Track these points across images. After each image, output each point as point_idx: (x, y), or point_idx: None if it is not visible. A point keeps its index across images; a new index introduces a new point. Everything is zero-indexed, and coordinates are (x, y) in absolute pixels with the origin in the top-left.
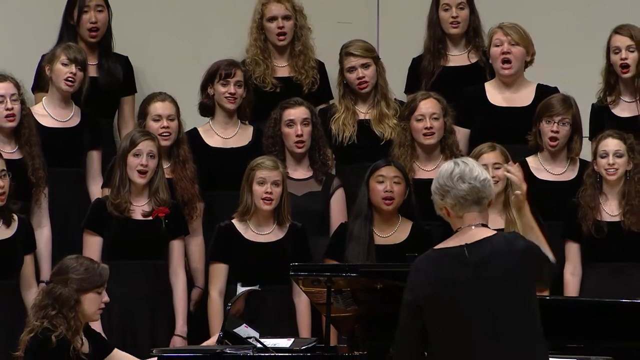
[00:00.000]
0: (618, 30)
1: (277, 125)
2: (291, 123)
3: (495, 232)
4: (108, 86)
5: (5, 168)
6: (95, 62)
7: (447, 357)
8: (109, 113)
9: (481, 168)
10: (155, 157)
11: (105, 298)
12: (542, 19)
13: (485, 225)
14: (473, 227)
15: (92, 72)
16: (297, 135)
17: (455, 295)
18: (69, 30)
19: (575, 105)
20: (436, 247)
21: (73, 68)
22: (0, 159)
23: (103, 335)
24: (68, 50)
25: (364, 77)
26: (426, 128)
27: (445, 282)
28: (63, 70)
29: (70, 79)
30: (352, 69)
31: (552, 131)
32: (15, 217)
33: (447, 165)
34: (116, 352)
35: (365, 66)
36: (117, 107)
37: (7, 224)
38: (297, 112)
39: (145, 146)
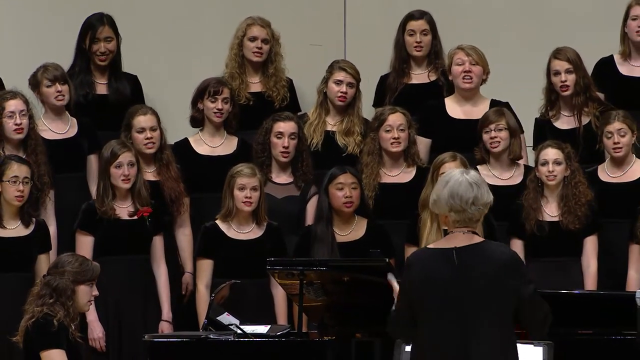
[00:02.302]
0: (556, 55)
1: (267, 135)
2: (280, 135)
3: (484, 239)
4: (117, 102)
5: (28, 176)
6: (105, 81)
7: (425, 348)
8: (117, 126)
9: (488, 190)
10: (134, 164)
11: (95, 292)
12: (495, 41)
13: (475, 233)
14: (463, 233)
15: (103, 90)
16: (284, 147)
17: (438, 292)
18: (82, 53)
19: (508, 113)
20: (429, 246)
21: (58, 86)
22: (26, 166)
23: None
24: (47, 72)
25: (346, 93)
26: (394, 138)
27: (433, 280)
28: (50, 92)
29: (59, 97)
30: (339, 82)
31: (491, 138)
32: (34, 220)
33: (464, 188)
34: None
35: (350, 85)
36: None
37: (26, 224)
38: (286, 126)
39: (125, 157)
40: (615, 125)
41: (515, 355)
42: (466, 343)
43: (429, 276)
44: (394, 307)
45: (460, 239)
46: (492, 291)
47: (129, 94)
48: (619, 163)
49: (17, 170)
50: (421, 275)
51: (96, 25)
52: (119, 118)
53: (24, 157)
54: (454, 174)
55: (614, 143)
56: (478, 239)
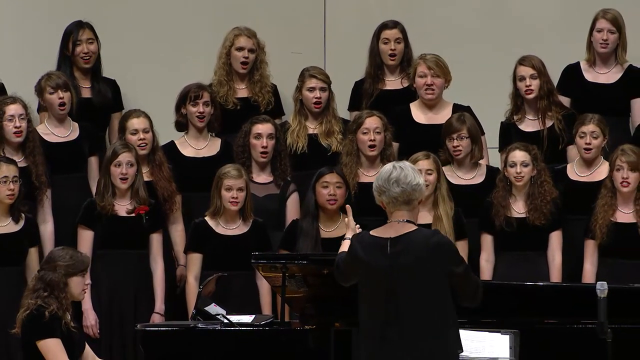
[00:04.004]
0: (522, 61)
1: (246, 137)
2: (258, 136)
3: (417, 227)
4: (100, 105)
5: (17, 175)
6: (88, 85)
7: (365, 328)
8: (101, 127)
9: (415, 172)
10: (133, 164)
11: (88, 280)
12: (461, 49)
13: (410, 222)
14: (399, 223)
15: (86, 93)
16: (263, 147)
17: (375, 278)
18: (65, 59)
19: (469, 119)
20: (371, 232)
21: (60, 93)
22: (14, 166)
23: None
24: (50, 80)
25: (320, 97)
26: (370, 140)
27: (370, 265)
28: (53, 99)
29: (61, 103)
30: (312, 89)
31: (454, 146)
32: (23, 215)
33: (387, 168)
34: (88, 349)
35: (322, 89)
36: (108, 122)
37: (16, 220)
38: (264, 128)
39: (124, 157)
40: (590, 127)
41: (455, 334)
42: (401, 328)
43: (370, 262)
44: (341, 256)
45: (395, 229)
46: (421, 276)
47: (111, 97)
48: (588, 163)
49: (5, 170)
50: (364, 258)
51: (77, 30)
52: (103, 120)
53: (22, 158)
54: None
55: (586, 144)
56: (410, 228)
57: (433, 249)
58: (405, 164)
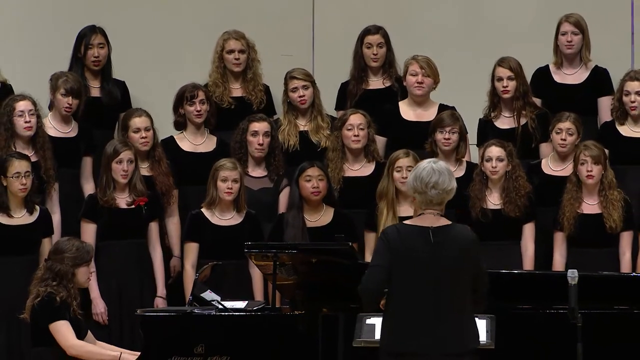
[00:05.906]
0: (500, 63)
1: (243, 134)
2: (255, 133)
3: (450, 222)
4: (108, 104)
5: (29, 170)
6: (98, 85)
7: (402, 310)
8: (109, 125)
9: (450, 175)
10: (133, 162)
11: (92, 269)
12: (443, 52)
13: (441, 215)
14: (433, 216)
15: (96, 93)
16: (259, 144)
17: (416, 265)
18: (77, 61)
19: (460, 119)
20: (405, 222)
21: (70, 99)
22: (27, 161)
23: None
24: (66, 83)
25: (304, 95)
26: (354, 135)
27: (410, 252)
28: (62, 101)
29: (67, 108)
30: (295, 89)
31: (444, 139)
32: (37, 207)
33: (426, 171)
34: (90, 334)
35: (305, 87)
36: (116, 121)
37: (30, 212)
38: (260, 126)
39: (125, 155)
40: (566, 124)
41: (474, 320)
42: (440, 312)
43: (409, 250)
44: (371, 265)
45: (431, 220)
46: (461, 267)
47: (120, 97)
48: (562, 158)
49: (17, 166)
50: (402, 247)
51: (89, 34)
52: (111, 118)
53: (32, 153)
54: (423, 162)
55: (561, 139)
56: (446, 221)
57: (471, 243)
58: (442, 166)
